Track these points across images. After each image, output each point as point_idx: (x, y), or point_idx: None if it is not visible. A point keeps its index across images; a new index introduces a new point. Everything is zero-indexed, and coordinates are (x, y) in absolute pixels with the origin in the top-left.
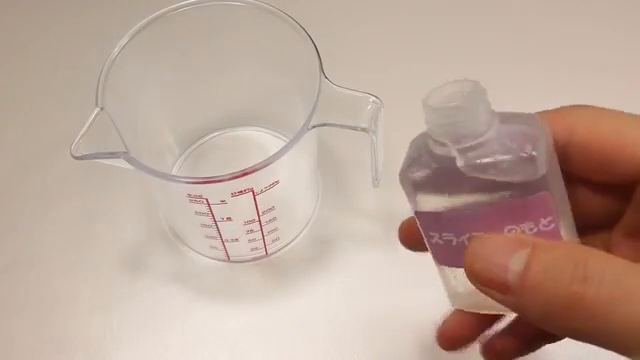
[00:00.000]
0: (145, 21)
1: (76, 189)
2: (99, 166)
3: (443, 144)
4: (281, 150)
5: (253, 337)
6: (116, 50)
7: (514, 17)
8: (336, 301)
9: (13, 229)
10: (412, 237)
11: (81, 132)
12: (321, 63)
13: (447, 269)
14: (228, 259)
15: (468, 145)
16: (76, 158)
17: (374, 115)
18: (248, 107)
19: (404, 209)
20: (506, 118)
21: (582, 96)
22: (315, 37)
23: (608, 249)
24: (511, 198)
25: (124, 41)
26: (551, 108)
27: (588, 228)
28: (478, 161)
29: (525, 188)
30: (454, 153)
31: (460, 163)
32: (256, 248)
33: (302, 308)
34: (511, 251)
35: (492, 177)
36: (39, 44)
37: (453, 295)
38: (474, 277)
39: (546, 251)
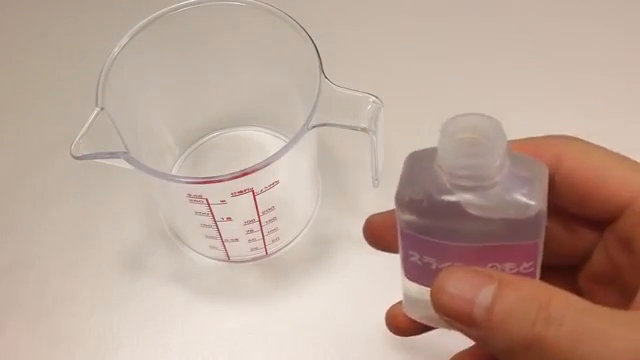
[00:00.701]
0: (145, 21)
1: (76, 189)
2: (99, 166)
3: (452, 177)
4: (281, 150)
5: (253, 337)
6: (116, 50)
7: (514, 17)
8: (336, 301)
9: (13, 229)
10: (377, 235)
11: (81, 132)
12: (321, 63)
13: (415, 284)
14: (228, 259)
15: (479, 185)
16: (76, 158)
17: (374, 115)
18: (248, 107)
19: None
20: (514, 160)
21: (582, 96)
22: (315, 37)
23: (572, 290)
24: (502, 239)
25: (124, 41)
26: (550, 107)
27: (555, 268)
28: (483, 202)
29: (519, 233)
30: (461, 189)
31: (465, 200)
32: (256, 248)
33: (302, 308)
34: (478, 286)
35: (490, 217)
36: (39, 44)
37: (413, 307)
38: (440, 308)
39: (512, 289)
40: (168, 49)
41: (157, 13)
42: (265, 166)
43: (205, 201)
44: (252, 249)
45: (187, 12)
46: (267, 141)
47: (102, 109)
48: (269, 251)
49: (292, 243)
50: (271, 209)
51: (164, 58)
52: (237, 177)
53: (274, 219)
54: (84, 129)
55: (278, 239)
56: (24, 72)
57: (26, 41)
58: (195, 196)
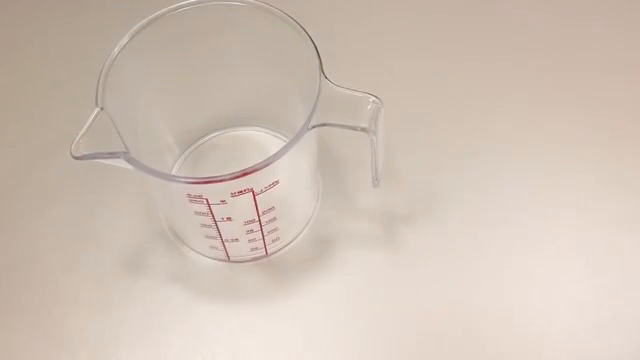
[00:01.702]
0: (145, 21)
1: (76, 189)
2: (99, 166)
3: None
4: (281, 150)
5: (253, 337)
6: (116, 50)
7: (514, 17)
8: (336, 301)
9: (13, 229)
10: None
11: (81, 132)
12: (321, 63)
13: None
14: (228, 259)
15: None
16: (76, 158)
17: (374, 115)
18: (248, 107)
19: (404, 209)
20: None
21: (582, 96)
22: (315, 37)
23: None
24: None
25: (124, 41)
26: (550, 107)
27: None
28: None
29: None
30: None
31: None
32: (256, 248)
33: (302, 308)
34: None
35: None
36: (39, 44)
37: None
38: None
39: None
40: (168, 49)
41: (157, 13)
42: (265, 166)
43: (205, 201)
44: (252, 249)
45: (187, 12)
46: (267, 141)
47: (102, 109)
48: (269, 251)
49: (292, 243)
50: (271, 209)
51: (164, 58)
52: (237, 177)
53: (274, 219)
54: (84, 129)
55: (278, 239)
56: (24, 72)
57: (26, 41)
58: (195, 196)
